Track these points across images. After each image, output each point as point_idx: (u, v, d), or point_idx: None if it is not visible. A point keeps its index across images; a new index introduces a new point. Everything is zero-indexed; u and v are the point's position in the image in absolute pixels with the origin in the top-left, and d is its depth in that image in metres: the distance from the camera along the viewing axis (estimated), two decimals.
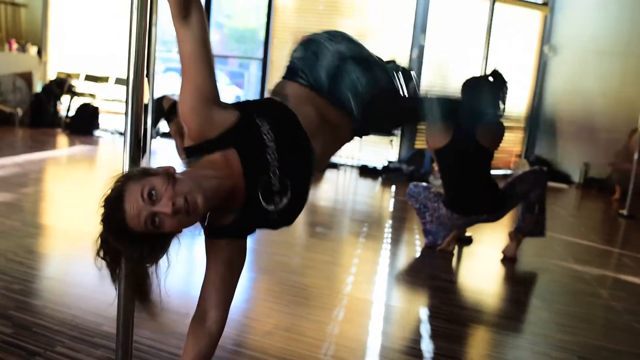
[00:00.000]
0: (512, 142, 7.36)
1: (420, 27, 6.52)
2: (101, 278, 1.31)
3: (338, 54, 1.52)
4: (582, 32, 6.98)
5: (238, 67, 16.74)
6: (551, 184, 6.57)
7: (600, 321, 2.63)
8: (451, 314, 2.49)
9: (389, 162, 6.71)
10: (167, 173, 1.18)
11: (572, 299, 2.91)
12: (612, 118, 6.86)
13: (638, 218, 5.24)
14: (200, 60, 1.25)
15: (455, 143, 3.25)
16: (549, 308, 2.70)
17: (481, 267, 3.39)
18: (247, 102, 1.41)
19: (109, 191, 1.20)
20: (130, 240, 1.17)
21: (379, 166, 6.72)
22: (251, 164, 1.28)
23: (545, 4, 7.17)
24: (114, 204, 1.17)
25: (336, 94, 1.52)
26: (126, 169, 1.40)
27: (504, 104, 2.80)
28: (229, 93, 15.42)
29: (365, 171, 6.68)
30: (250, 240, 1.45)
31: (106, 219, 1.19)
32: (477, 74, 3.41)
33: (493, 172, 3.35)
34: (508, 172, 7.22)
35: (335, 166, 6.80)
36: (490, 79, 2.93)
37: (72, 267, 2.67)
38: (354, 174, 6.62)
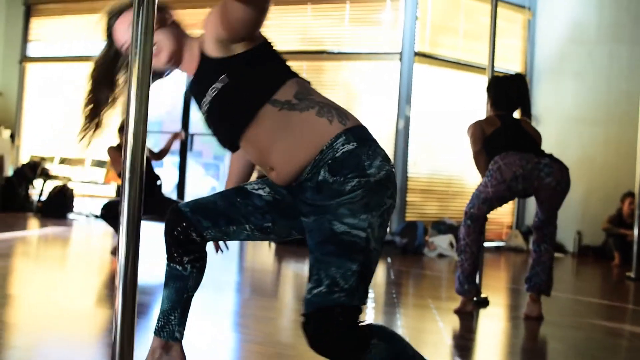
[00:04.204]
0: (502, 213, 7.20)
1: (405, 99, 6.51)
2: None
3: None
4: (562, 102, 7.07)
5: (213, 159, 16.77)
6: None
7: None
8: None
9: (391, 233, 6.46)
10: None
11: (612, 354, 2.61)
12: (600, 184, 6.81)
13: None
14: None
15: (506, 127, 3.16)
16: None
17: (509, 327, 3.08)
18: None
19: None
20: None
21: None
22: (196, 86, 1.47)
23: (523, 75, 7.29)
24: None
25: None
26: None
27: None
28: (204, 184, 15.30)
29: None
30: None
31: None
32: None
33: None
34: (501, 244, 7.03)
35: None
36: None
37: (39, 337, 2.31)
38: None
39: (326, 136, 1.31)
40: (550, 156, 3.13)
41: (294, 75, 1.42)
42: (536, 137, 3.25)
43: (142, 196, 1.20)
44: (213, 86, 1.38)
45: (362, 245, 1.28)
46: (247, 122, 1.36)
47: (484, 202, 3.14)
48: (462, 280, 3.19)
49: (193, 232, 1.48)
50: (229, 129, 1.42)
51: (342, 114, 1.36)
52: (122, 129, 4.22)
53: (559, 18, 7.16)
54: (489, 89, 3.42)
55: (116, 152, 4.25)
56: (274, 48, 1.44)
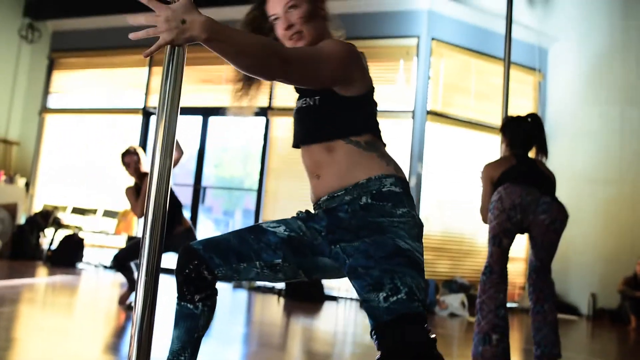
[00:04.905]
0: (514, 273, 7.10)
1: (417, 156, 6.56)
2: None
3: None
4: (574, 162, 7.08)
5: (222, 215, 16.82)
6: (560, 315, 6.25)
7: None
8: None
9: None
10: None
11: None
12: (614, 245, 6.73)
13: None
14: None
15: (521, 165, 3.15)
16: None
17: None
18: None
19: None
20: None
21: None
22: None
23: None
24: None
25: None
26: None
27: None
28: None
29: None
30: None
31: None
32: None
33: None
34: (513, 305, 6.90)
35: (334, 299, 6.42)
36: None
37: None
38: (355, 306, 6.22)
39: (379, 170, 1.46)
40: (554, 197, 3.11)
41: (376, 129, 1.57)
42: (550, 176, 3.23)
43: (162, 242, 1.21)
44: (315, 97, 1.52)
45: (423, 267, 1.40)
46: (317, 141, 1.51)
47: (494, 241, 3.09)
48: (476, 342, 3.02)
49: (205, 269, 1.48)
50: (302, 132, 1.55)
51: (398, 166, 1.52)
52: (126, 164, 4.32)
53: (569, 79, 7.27)
54: (503, 129, 3.39)
55: (132, 193, 4.30)
56: (374, 98, 1.58)
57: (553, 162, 7.10)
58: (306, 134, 1.55)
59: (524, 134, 3.27)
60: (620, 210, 6.80)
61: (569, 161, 7.13)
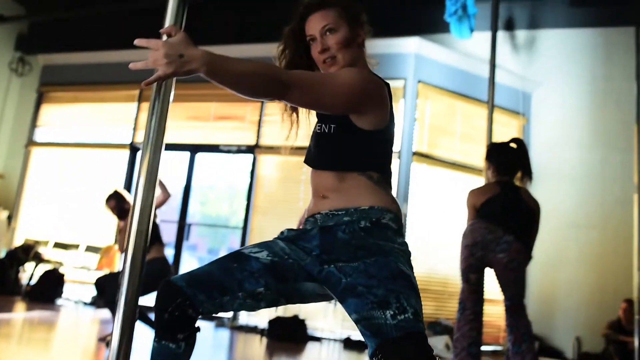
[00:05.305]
0: (499, 316, 7.07)
1: (402, 196, 6.59)
2: None
3: None
4: (558, 205, 7.14)
5: (207, 254, 16.66)
6: (545, 359, 6.21)
7: None
8: None
9: None
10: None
11: None
12: (598, 289, 6.75)
13: None
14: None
15: (505, 195, 3.17)
16: None
17: None
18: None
19: None
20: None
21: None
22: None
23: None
24: None
25: None
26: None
27: None
28: None
29: (350, 344, 6.21)
30: None
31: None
32: None
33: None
34: (498, 348, 6.84)
35: (317, 339, 6.33)
36: None
37: None
38: (338, 347, 6.14)
39: (383, 203, 1.50)
40: (519, 236, 3.12)
41: (387, 169, 1.58)
42: (534, 207, 3.25)
43: (141, 278, 1.20)
44: (331, 125, 1.53)
45: (419, 294, 1.44)
46: (331, 169, 1.53)
47: (462, 276, 3.16)
48: None
49: (189, 307, 1.43)
50: (316, 157, 1.57)
51: (399, 208, 1.56)
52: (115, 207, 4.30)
53: (552, 124, 7.40)
54: (488, 157, 3.43)
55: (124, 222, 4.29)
56: (392, 134, 1.59)
57: None
58: (320, 161, 1.57)
59: (508, 160, 3.32)
60: (603, 255, 6.84)
61: (553, 204, 7.19)
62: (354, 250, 1.44)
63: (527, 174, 3.35)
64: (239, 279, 1.47)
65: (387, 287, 1.38)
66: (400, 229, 1.51)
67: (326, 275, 1.48)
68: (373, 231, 1.46)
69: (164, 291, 1.43)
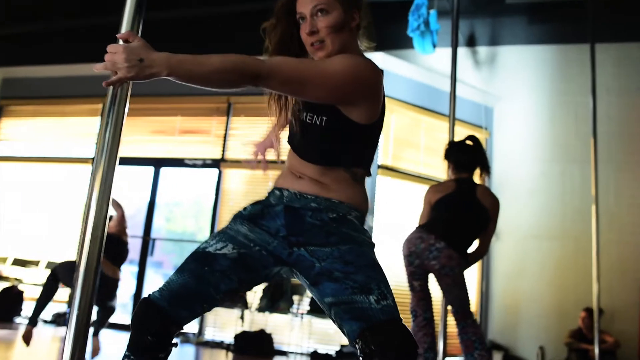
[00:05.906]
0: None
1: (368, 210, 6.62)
2: None
3: None
4: (519, 218, 7.28)
5: (172, 270, 16.41)
6: None
7: None
8: None
9: (342, 345, 6.28)
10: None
11: None
12: (560, 299, 6.88)
13: None
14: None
15: (459, 194, 3.18)
16: None
17: None
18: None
19: None
20: None
21: (332, 351, 6.26)
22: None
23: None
24: None
25: None
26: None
27: None
28: None
29: (317, 357, 6.19)
30: None
31: None
32: None
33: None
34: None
35: (283, 354, 6.29)
36: None
37: None
38: None
39: (354, 200, 1.49)
40: (449, 243, 3.14)
41: (369, 166, 1.58)
42: (488, 205, 3.29)
43: (94, 293, 1.19)
44: (322, 117, 1.47)
45: None
46: (318, 163, 1.50)
47: (409, 285, 3.23)
48: None
49: (173, 325, 1.41)
50: (303, 145, 1.52)
51: (368, 207, 1.59)
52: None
53: (513, 137, 7.57)
54: (447, 155, 3.49)
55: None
56: (381, 127, 1.56)
57: (499, 219, 7.29)
58: (306, 152, 1.52)
59: (465, 157, 3.39)
60: (564, 265, 6.99)
61: (514, 216, 7.32)
62: (326, 235, 1.44)
63: (485, 169, 3.43)
64: (213, 283, 1.46)
65: (367, 273, 1.40)
66: (364, 226, 1.53)
67: (297, 258, 1.46)
68: (344, 222, 1.46)
69: (144, 313, 1.39)
